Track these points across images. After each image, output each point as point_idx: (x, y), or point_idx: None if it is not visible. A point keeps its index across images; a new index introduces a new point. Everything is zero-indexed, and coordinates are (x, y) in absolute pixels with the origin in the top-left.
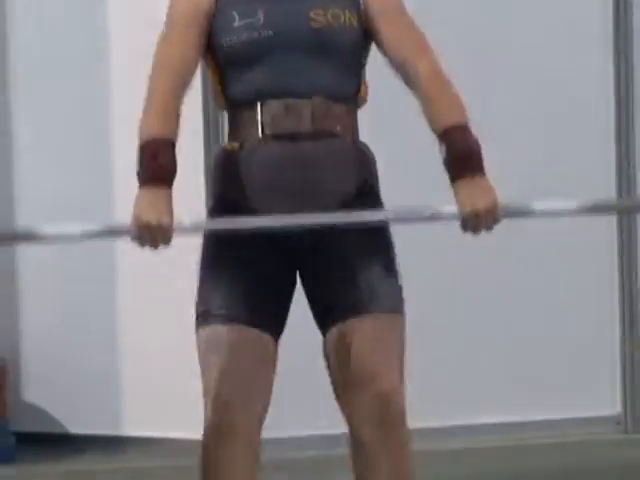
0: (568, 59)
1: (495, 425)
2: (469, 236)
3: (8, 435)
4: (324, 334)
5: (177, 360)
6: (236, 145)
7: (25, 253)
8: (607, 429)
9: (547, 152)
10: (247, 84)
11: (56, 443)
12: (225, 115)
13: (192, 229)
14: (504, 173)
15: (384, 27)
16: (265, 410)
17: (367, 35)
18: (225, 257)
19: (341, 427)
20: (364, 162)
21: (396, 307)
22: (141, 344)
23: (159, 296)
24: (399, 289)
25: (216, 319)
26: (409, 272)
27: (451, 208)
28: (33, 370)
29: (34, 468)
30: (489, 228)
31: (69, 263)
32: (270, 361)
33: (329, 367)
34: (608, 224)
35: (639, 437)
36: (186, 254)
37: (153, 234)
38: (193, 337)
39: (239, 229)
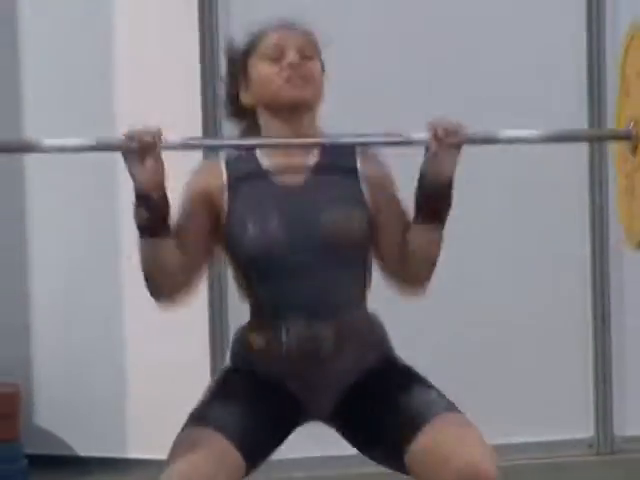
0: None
1: None
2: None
3: (21, 458)
4: (399, 467)
5: (183, 385)
6: (262, 344)
7: (38, 281)
8: (580, 452)
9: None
10: (268, 296)
11: (65, 465)
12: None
13: (181, 146)
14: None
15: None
16: None
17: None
18: (239, 388)
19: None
20: (379, 341)
21: (451, 407)
22: (148, 370)
23: (166, 324)
24: (445, 396)
25: (208, 424)
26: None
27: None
28: (44, 395)
29: None
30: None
31: (79, 291)
32: None
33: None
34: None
35: (611, 459)
36: None
37: (142, 137)
38: (200, 361)
39: (232, 146)
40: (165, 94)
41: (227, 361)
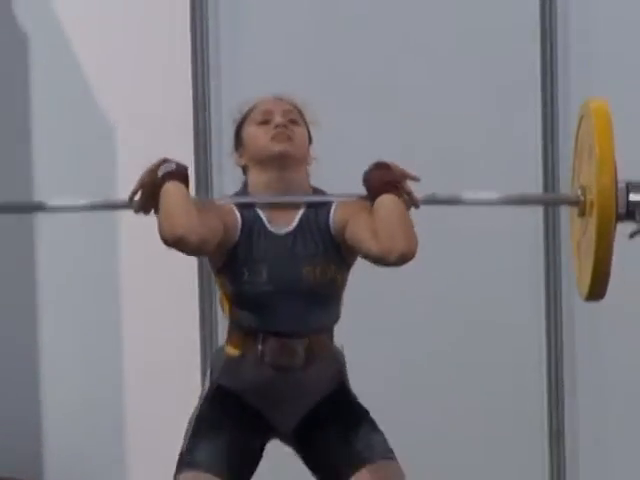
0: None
1: None
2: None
3: None
4: None
5: None
6: (238, 354)
7: (48, 387)
8: None
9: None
10: (252, 320)
11: None
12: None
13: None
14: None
15: (352, 236)
16: None
17: (347, 266)
18: (221, 419)
19: None
20: (340, 369)
21: (388, 454)
22: (152, 461)
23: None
24: (385, 440)
25: (199, 467)
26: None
27: None
28: None
29: None
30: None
31: (91, 389)
32: None
33: None
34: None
35: None
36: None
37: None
38: None
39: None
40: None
41: (205, 384)
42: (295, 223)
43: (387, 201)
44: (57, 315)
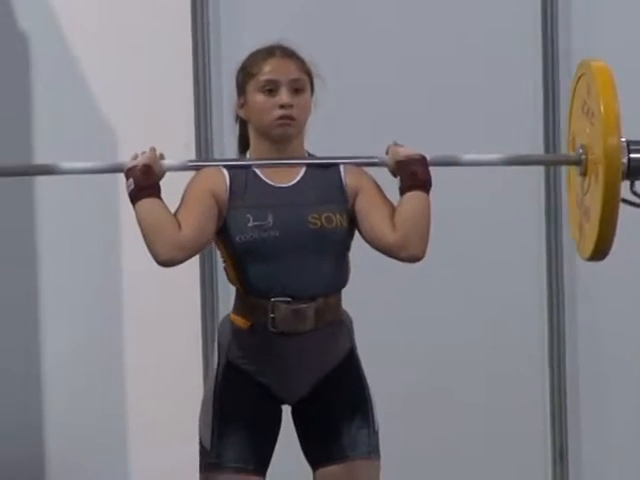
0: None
1: None
2: None
3: None
4: (313, 470)
5: None
6: (247, 324)
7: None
8: None
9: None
10: (259, 278)
11: None
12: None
13: (181, 168)
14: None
15: (362, 209)
16: None
17: (353, 223)
18: (234, 412)
19: None
20: (349, 334)
21: (372, 452)
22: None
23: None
24: (373, 434)
25: (226, 467)
26: None
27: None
28: None
29: None
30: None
31: (92, 389)
32: None
33: None
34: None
35: None
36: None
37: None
38: None
39: (228, 165)
40: (161, 116)
41: (214, 358)
42: (298, 178)
43: (419, 200)
44: (58, 312)
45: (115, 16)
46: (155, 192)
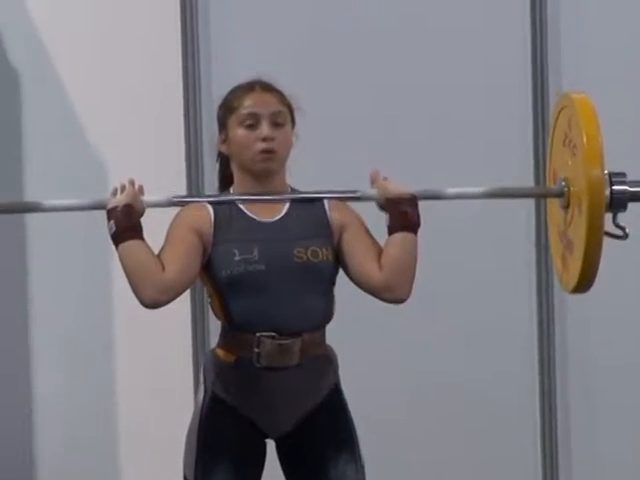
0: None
1: None
2: None
3: None
4: None
5: None
6: (232, 358)
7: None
8: None
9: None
10: (244, 313)
11: None
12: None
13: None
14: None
15: (348, 248)
16: None
17: (338, 259)
18: (219, 446)
19: None
20: (334, 369)
21: None
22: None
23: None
24: (360, 469)
25: None
26: None
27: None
28: None
29: None
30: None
31: (82, 396)
32: None
33: None
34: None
35: None
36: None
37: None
38: None
39: (215, 202)
40: (152, 150)
41: (200, 389)
42: (282, 213)
43: (408, 241)
44: (48, 322)
45: (106, 52)
46: (137, 233)
